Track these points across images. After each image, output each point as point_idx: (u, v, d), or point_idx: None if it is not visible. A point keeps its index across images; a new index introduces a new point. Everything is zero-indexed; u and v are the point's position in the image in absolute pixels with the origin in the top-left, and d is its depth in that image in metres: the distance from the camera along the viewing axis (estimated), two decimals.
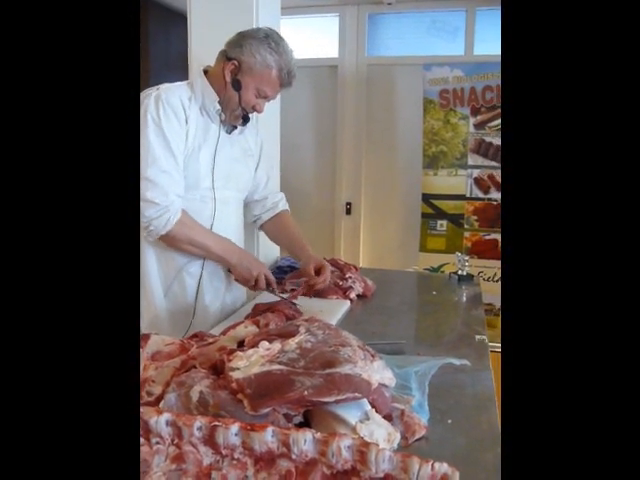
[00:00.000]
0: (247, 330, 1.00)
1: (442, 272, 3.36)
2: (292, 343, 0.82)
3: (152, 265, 1.51)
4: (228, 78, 1.45)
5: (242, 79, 1.45)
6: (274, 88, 1.47)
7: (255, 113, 1.55)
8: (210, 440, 0.68)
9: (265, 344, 0.82)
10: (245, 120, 1.54)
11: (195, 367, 0.89)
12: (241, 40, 1.46)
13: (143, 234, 1.42)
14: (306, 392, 0.73)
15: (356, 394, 0.76)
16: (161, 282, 1.53)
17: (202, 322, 1.52)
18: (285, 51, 1.45)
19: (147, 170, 1.35)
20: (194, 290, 1.54)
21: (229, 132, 1.58)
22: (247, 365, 0.77)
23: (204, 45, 1.84)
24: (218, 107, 1.48)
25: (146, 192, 1.35)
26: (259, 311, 1.37)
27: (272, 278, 1.54)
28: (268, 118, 1.98)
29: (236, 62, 1.44)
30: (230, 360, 0.79)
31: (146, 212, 1.36)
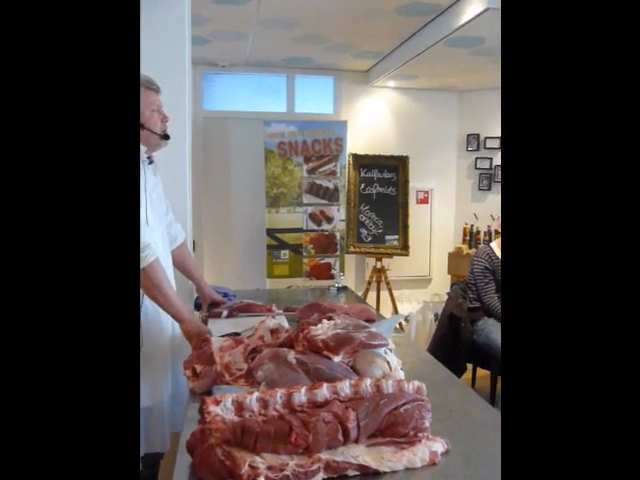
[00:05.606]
0: (273, 322, 1.46)
1: None
2: (338, 321, 1.33)
3: None
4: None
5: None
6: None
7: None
8: (288, 403, 0.95)
9: (325, 321, 1.31)
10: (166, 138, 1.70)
11: (265, 347, 1.33)
12: None
13: None
14: (364, 339, 1.25)
15: (383, 341, 1.31)
16: None
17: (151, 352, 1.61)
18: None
19: None
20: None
21: (155, 173, 1.75)
22: (323, 332, 1.25)
23: None
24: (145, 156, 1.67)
25: None
26: (235, 308, 1.90)
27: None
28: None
29: None
30: (310, 331, 1.27)
31: None
